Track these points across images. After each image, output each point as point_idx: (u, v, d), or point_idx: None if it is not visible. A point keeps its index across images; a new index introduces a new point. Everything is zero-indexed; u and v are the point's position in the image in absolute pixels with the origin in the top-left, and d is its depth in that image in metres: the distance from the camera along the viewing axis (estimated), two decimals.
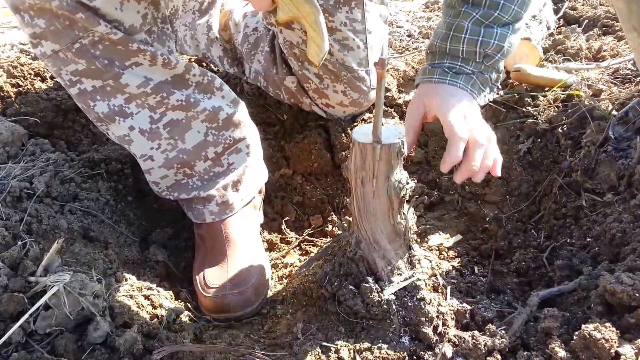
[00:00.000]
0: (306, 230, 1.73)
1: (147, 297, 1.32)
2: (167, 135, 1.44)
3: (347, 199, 1.25)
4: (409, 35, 2.71)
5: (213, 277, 1.43)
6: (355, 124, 1.85)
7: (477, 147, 1.31)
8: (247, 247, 1.51)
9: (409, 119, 1.45)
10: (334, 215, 1.77)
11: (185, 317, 1.34)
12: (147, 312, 1.28)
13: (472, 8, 1.41)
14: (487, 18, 1.40)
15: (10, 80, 1.98)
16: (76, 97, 1.38)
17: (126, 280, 1.33)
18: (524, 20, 1.46)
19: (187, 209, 1.58)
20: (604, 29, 2.40)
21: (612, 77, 1.88)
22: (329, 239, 1.66)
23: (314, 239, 1.70)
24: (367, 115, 1.88)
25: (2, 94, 1.92)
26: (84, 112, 1.43)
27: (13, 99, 1.91)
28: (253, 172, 1.59)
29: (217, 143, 1.50)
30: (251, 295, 1.40)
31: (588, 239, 1.40)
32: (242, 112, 1.55)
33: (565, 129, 1.67)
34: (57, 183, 1.53)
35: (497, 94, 1.84)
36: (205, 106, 1.46)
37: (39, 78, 2.03)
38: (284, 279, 1.54)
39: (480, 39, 1.41)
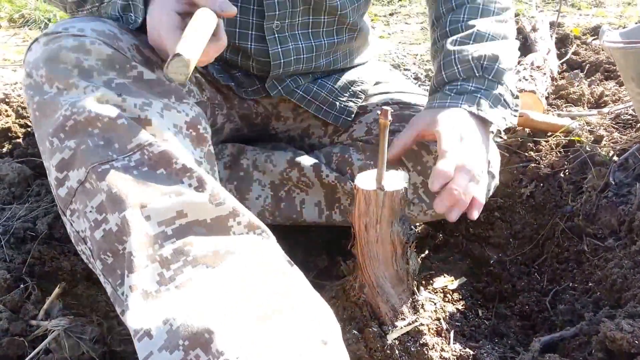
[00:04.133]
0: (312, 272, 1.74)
1: None
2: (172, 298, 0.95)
3: (353, 241, 1.26)
4: (415, 78, 2.75)
5: None
6: None
7: (464, 172, 1.21)
8: None
9: (401, 134, 1.36)
10: (340, 257, 1.78)
11: None
12: None
13: (452, 37, 1.43)
14: (469, 37, 1.40)
15: (19, 121, 2.01)
16: (100, 242, 1.01)
17: None
18: (510, 30, 1.46)
19: None
20: (606, 74, 2.44)
21: (614, 123, 1.90)
22: (335, 281, 1.67)
23: (320, 280, 1.71)
24: None
25: (10, 135, 1.95)
26: (98, 266, 1.04)
27: (21, 139, 1.94)
28: None
29: None
30: None
31: (590, 284, 1.41)
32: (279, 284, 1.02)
33: (567, 173, 1.69)
34: (61, 224, 1.53)
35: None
36: (236, 264, 0.99)
37: None
38: None
39: (469, 53, 1.37)
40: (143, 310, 0.92)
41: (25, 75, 1.13)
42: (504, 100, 1.38)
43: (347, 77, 1.67)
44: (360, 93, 1.66)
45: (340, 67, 1.65)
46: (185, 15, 1.12)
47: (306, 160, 1.56)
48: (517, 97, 1.42)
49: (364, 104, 1.66)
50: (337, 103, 1.62)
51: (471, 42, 1.39)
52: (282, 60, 1.47)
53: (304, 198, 1.59)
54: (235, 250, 1.00)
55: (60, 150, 1.04)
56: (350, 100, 1.64)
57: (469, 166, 1.21)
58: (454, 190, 1.18)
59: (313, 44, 1.51)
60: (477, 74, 1.36)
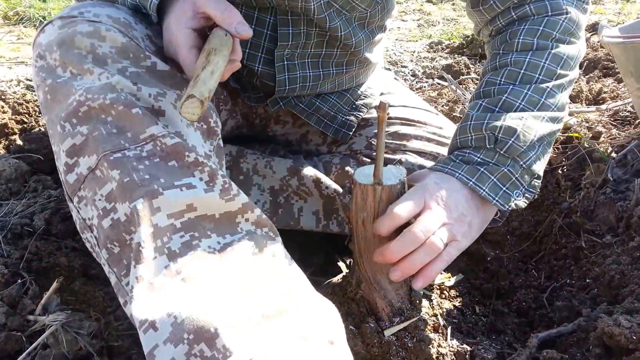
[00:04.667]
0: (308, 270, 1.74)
1: None
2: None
3: (350, 236, 1.25)
4: (413, 75, 2.75)
5: None
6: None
7: (409, 238, 1.09)
8: None
9: None
10: (336, 254, 1.78)
11: None
12: None
13: (480, 100, 1.30)
14: (496, 104, 1.27)
15: (16, 117, 2.01)
16: (108, 231, 1.00)
17: (127, 318, 1.33)
18: (554, 100, 1.28)
19: None
20: (604, 71, 2.44)
21: (612, 120, 1.90)
22: (331, 278, 1.67)
23: (317, 277, 1.70)
24: None
25: (6, 131, 1.94)
26: (106, 252, 1.02)
27: (17, 135, 1.93)
28: None
29: None
30: None
31: (587, 280, 1.41)
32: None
33: (565, 170, 1.69)
34: (58, 220, 1.53)
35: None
36: (243, 261, 0.98)
37: None
38: None
39: (485, 121, 1.24)
40: (148, 301, 0.91)
41: (36, 57, 1.11)
42: (516, 179, 1.23)
43: (352, 92, 1.64)
44: (363, 107, 1.64)
45: (346, 87, 1.62)
46: (201, 31, 1.12)
47: (306, 170, 1.55)
48: (538, 178, 1.28)
49: (366, 116, 1.64)
50: (339, 117, 1.60)
51: (497, 109, 1.26)
52: (287, 87, 1.45)
53: (302, 206, 1.58)
54: (242, 247, 0.99)
55: (71, 135, 1.02)
56: (352, 114, 1.62)
57: (417, 232, 1.10)
58: (386, 251, 1.11)
59: (321, 72, 1.49)
60: (488, 146, 1.23)
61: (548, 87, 1.27)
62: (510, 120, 1.22)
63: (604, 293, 1.33)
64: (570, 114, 1.96)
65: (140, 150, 1.00)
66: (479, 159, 1.23)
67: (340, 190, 1.52)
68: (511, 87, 1.27)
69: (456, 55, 2.99)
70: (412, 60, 2.97)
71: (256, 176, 1.57)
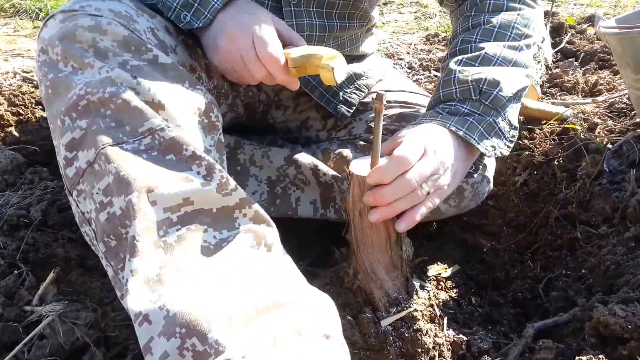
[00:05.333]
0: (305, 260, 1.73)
1: None
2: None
3: (347, 227, 1.25)
4: (409, 68, 2.75)
5: None
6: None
7: (400, 184, 1.11)
8: None
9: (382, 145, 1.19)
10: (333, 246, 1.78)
11: None
12: None
13: (459, 56, 1.36)
14: (475, 59, 1.33)
15: (11, 109, 2.00)
16: (104, 225, 1.00)
17: (124, 308, 1.33)
18: (524, 57, 1.37)
19: None
20: (601, 63, 2.44)
21: (608, 111, 1.90)
22: (328, 269, 1.67)
23: (314, 268, 1.70)
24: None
25: (2, 123, 1.94)
26: (103, 246, 1.02)
27: (13, 127, 1.93)
28: None
29: None
30: None
31: (583, 271, 1.41)
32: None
33: (561, 161, 1.70)
34: (55, 211, 1.53)
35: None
36: (239, 256, 0.99)
37: (40, 107, 2.05)
38: None
39: (470, 74, 1.29)
40: (143, 295, 0.91)
41: (39, 51, 1.12)
42: (499, 128, 1.29)
43: (354, 69, 1.65)
44: (364, 87, 1.65)
45: (347, 52, 1.62)
46: None
47: (304, 158, 1.55)
48: (515, 128, 1.34)
49: (365, 100, 1.65)
50: (341, 94, 1.60)
51: (476, 64, 1.32)
52: None
53: (299, 196, 1.59)
54: (238, 242, 0.99)
55: (71, 129, 1.03)
56: (354, 93, 1.63)
57: (412, 181, 1.11)
58: (377, 194, 1.11)
59: (326, 23, 1.50)
60: (473, 97, 1.28)
61: (519, 45, 1.37)
62: (493, 73, 1.29)
63: (599, 283, 1.33)
64: (567, 106, 1.96)
65: (138, 143, 1.01)
66: (466, 110, 1.28)
67: (338, 175, 1.53)
68: (487, 43, 1.35)
69: None
70: (408, 53, 2.97)
71: (253, 167, 1.57)
